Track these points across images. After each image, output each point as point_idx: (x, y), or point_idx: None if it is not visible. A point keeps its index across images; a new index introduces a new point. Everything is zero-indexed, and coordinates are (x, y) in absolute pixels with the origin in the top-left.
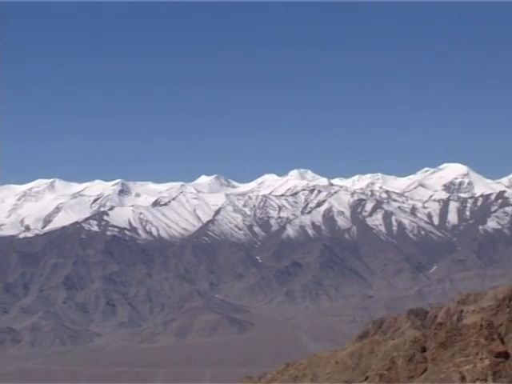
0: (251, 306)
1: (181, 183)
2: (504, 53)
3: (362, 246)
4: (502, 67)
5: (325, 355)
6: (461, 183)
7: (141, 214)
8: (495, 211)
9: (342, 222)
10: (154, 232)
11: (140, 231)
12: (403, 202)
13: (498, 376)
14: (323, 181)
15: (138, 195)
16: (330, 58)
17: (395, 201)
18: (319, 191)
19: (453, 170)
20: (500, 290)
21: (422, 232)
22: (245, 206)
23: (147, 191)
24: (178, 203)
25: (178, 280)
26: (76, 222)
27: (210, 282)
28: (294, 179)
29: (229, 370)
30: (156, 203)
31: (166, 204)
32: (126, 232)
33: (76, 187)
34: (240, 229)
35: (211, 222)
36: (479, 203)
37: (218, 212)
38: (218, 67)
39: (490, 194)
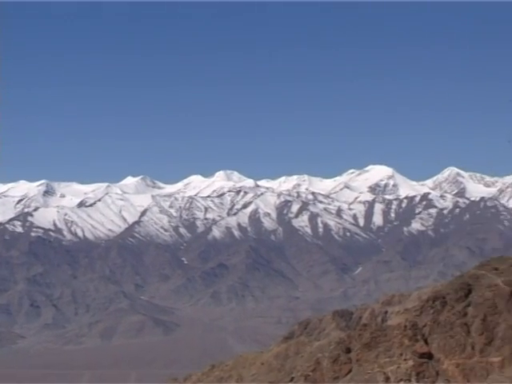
0: (177, 308)
1: (106, 184)
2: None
3: (287, 247)
4: (405, 67)
5: (250, 356)
6: (386, 185)
7: (66, 214)
8: (419, 213)
9: (268, 224)
10: (80, 233)
11: (65, 232)
12: (329, 204)
13: (421, 376)
14: (249, 182)
15: (63, 196)
16: (260, 62)
17: (321, 202)
18: (245, 193)
19: (378, 172)
20: (424, 291)
21: (348, 233)
22: (171, 207)
23: (72, 192)
24: (104, 204)
25: (104, 281)
26: None
27: (136, 283)
28: (220, 180)
29: (154, 372)
30: (81, 204)
31: (91, 205)
32: (51, 233)
33: (0, 188)
34: (166, 230)
35: (137, 223)
36: (404, 205)
37: (143, 213)
38: (147, 68)
39: (415, 196)
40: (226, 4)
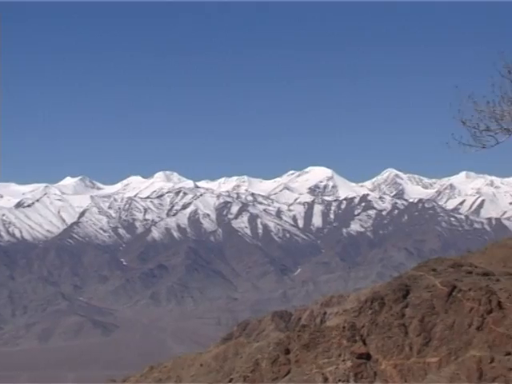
0: (115, 309)
1: (45, 184)
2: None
3: (227, 248)
4: (344, 69)
5: (189, 357)
6: (325, 186)
7: (3, 215)
8: (358, 214)
9: (208, 225)
10: (17, 234)
11: (2, 233)
12: (269, 205)
13: (359, 377)
14: (189, 183)
15: (0, 197)
16: (197, 65)
17: (261, 203)
18: (185, 193)
19: (317, 174)
20: (362, 292)
21: (287, 235)
22: (110, 208)
23: (10, 192)
24: (42, 205)
25: (42, 282)
26: None
27: (74, 284)
28: (160, 181)
29: (92, 373)
30: (19, 205)
31: (29, 205)
32: None
33: None
34: (105, 231)
35: (76, 224)
36: (343, 206)
37: (82, 214)
38: (84, 66)
39: (354, 198)
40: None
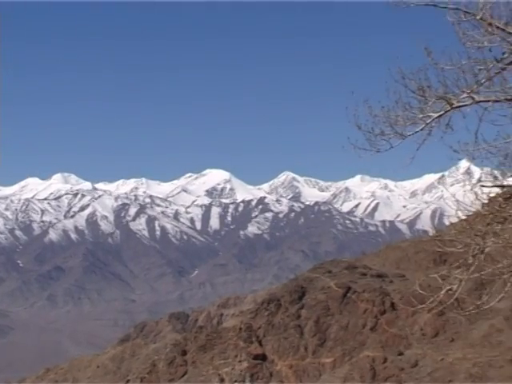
0: (11, 311)
1: None
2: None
3: (125, 250)
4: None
5: (86, 359)
6: (223, 189)
7: None
8: (256, 217)
9: (106, 227)
10: None
11: None
12: (166, 207)
13: (255, 378)
14: (87, 185)
15: None
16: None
17: (159, 206)
18: (83, 195)
19: (215, 176)
20: (259, 293)
21: (185, 237)
22: (6, 209)
23: None
24: None
25: None
26: None
27: None
28: (58, 183)
29: None
30: None
31: None
32: None
33: None
34: (1, 232)
35: None
36: (240, 209)
37: None
38: None
39: (251, 200)
40: None
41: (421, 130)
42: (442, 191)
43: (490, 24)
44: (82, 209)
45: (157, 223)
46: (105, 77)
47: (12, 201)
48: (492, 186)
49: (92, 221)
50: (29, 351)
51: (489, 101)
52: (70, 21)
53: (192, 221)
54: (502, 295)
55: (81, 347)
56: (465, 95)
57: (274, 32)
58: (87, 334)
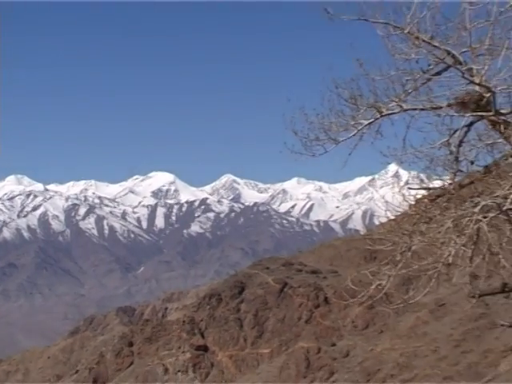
0: None
1: None
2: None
3: (75, 247)
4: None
5: (37, 350)
6: (168, 190)
7: None
8: (198, 216)
9: (57, 226)
10: None
11: None
12: (115, 207)
13: (197, 368)
14: (39, 186)
15: None
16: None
17: (107, 206)
18: (35, 196)
19: (161, 178)
20: (201, 288)
21: (132, 235)
22: None
23: None
24: None
25: None
26: None
27: None
28: (11, 184)
29: None
30: None
31: None
32: None
33: None
34: None
35: None
36: (184, 209)
37: None
38: None
39: (194, 201)
40: None
41: (353, 135)
42: (372, 193)
43: (417, 38)
44: (35, 209)
45: (105, 222)
46: (54, 79)
47: None
48: (418, 189)
49: (44, 220)
50: None
51: (416, 109)
52: None
53: (138, 220)
54: (427, 290)
55: (33, 339)
56: (393, 104)
57: (213, 30)
58: (39, 326)
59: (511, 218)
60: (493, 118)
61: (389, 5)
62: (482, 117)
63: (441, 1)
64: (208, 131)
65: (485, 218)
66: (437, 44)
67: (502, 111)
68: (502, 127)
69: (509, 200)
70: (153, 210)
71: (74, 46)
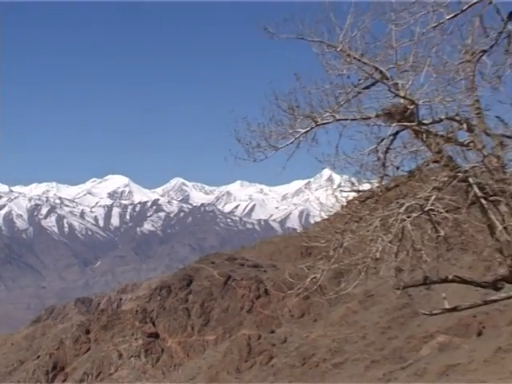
0: None
1: None
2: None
3: (37, 244)
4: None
5: (2, 338)
6: (122, 192)
7: None
8: (150, 216)
9: (21, 224)
10: None
11: None
12: (74, 207)
13: (149, 353)
14: (4, 188)
15: None
16: None
17: (67, 206)
18: (0, 197)
19: (116, 181)
20: (153, 281)
21: (89, 232)
22: None
23: None
24: None
25: None
26: None
27: None
28: None
29: None
30: None
31: None
32: None
33: None
34: None
35: None
36: (137, 209)
37: None
38: None
39: (147, 202)
40: None
41: (291, 143)
42: (308, 195)
43: (349, 55)
44: (0, 208)
45: (65, 221)
46: (18, 84)
47: None
48: (349, 191)
49: (8, 219)
50: None
51: (347, 119)
52: None
53: (96, 219)
54: (357, 282)
55: None
56: (327, 114)
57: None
58: (3, 316)
59: (432, 218)
60: (416, 127)
61: (323, 25)
62: (407, 127)
63: (370, 21)
64: (159, 138)
65: (409, 217)
66: (366, 61)
67: (424, 122)
68: (424, 136)
69: (430, 201)
70: (109, 210)
71: (33, 51)
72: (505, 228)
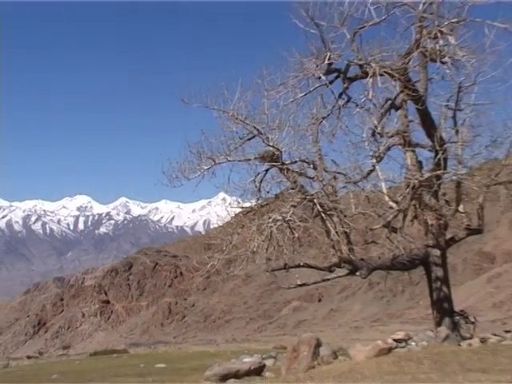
0: None
1: None
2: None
3: (28, 241)
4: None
5: (3, 303)
6: (86, 206)
7: None
8: (105, 222)
9: (17, 228)
10: None
11: None
12: (53, 217)
13: (103, 314)
14: (5, 203)
15: None
16: None
17: (48, 216)
18: (4, 209)
19: (82, 199)
20: (106, 266)
21: (64, 234)
22: None
23: None
24: None
25: None
26: None
27: None
28: None
29: None
30: None
31: None
32: None
33: None
34: None
35: None
36: (96, 218)
37: None
38: None
39: (102, 213)
40: None
41: (198, 175)
42: (209, 210)
43: (236, 118)
44: (3, 217)
45: (47, 226)
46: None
47: None
48: (236, 207)
49: (9, 224)
50: None
51: (235, 160)
52: None
53: (68, 225)
54: (241, 267)
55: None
56: (222, 157)
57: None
58: (4, 289)
59: (290, 225)
60: (280, 166)
61: (220, 98)
62: (274, 166)
63: (251, 96)
64: (113, 167)
65: (275, 225)
66: (248, 122)
67: (286, 162)
68: (285, 172)
69: (288, 214)
70: (77, 219)
71: None
72: (336, 232)
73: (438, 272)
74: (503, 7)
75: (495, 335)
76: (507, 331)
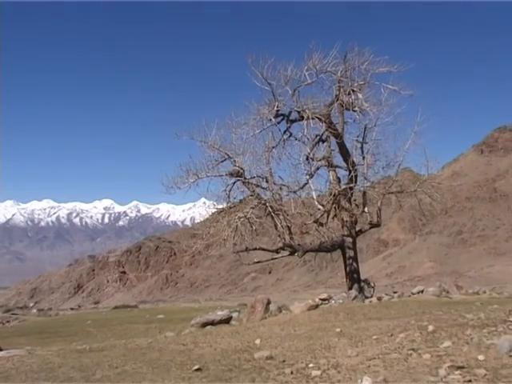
0: None
1: None
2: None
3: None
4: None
5: (45, 275)
6: (110, 207)
7: None
8: (122, 218)
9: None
10: None
11: None
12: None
13: (121, 280)
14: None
15: None
16: None
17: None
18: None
19: (106, 202)
20: (123, 247)
21: (100, 226)
22: None
23: None
24: None
25: None
26: None
27: None
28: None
29: None
30: None
31: None
32: None
33: None
34: None
35: None
36: (117, 215)
37: None
38: None
39: (121, 212)
40: None
41: (186, 186)
42: (194, 210)
43: (213, 147)
44: (54, 213)
45: (83, 220)
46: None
47: None
48: (212, 208)
49: (58, 219)
50: None
51: (213, 176)
52: None
53: (97, 219)
54: (215, 250)
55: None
56: (204, 173)
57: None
58: (56, 260)
59: (250, 221)
60: (243, 180)
61: (201, 131)
62: (239, 180)
63: (224, 131)
64: (129, 180)
65: (239, 220)
66: (222, 149)
67: (247, 178)
68: (247, 184)
69: (249, 213)
70: (103, 215)
71: None
72: (281, 226)
73: (350, 253)
74: (393, 75)
75: (387, 295)
76: (394, 292)
